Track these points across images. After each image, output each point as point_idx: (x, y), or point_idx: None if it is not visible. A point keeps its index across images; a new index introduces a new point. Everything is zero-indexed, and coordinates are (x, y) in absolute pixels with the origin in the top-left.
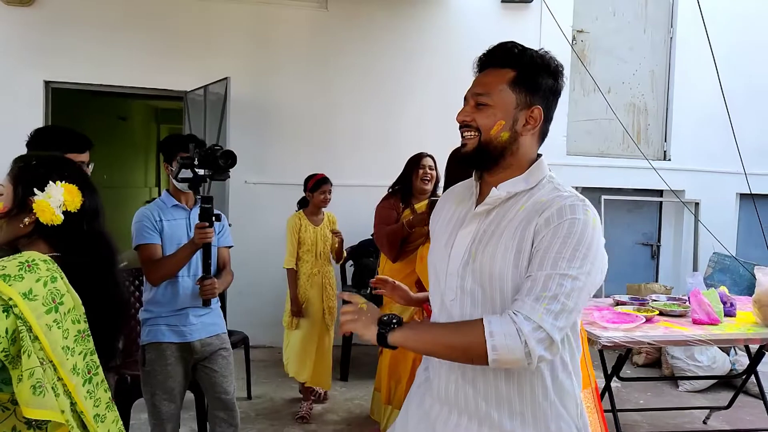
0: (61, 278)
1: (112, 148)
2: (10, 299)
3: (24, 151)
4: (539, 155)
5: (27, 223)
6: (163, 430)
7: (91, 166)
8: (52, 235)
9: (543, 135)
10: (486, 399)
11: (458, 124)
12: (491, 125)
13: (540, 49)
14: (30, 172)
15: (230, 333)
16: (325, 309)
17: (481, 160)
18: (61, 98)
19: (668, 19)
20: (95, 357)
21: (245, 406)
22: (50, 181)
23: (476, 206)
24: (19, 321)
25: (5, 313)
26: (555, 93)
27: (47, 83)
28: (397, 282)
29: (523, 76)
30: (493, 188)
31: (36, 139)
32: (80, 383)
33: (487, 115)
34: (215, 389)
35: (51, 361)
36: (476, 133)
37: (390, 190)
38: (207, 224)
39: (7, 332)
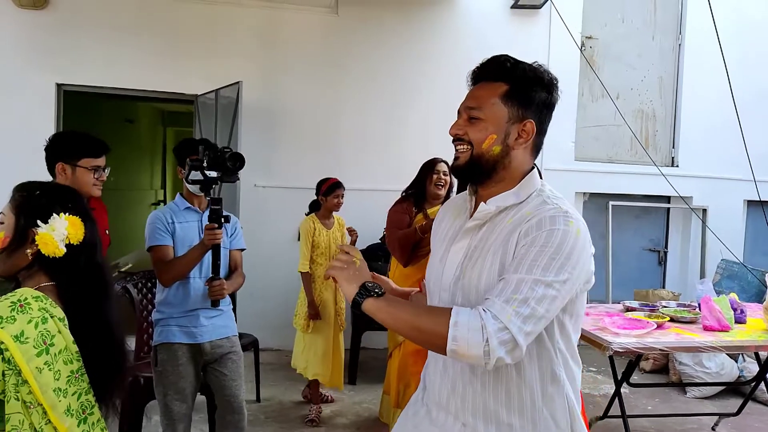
0: (52, 318)
1: (119, 151)
2: (2, 342)
3: (39, 154)
4: (533, 168)
5: (29, 254)
6: (174, 430)
7: (107, 171)
8: (52, 267)
9: (536, 148)
10: (474, 413)
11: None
12: (483, 139)
13: (534, 62)
14: (33, 203)
15: (240, 336)
16: (337, 310)
17: (474, 174)
18: (70, 101)
19: (677, 26)
20: (90, 396)
21: (254, 408)
22: (54, 213)
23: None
24: (7, 365)
25: (1, 356)
26: (549, 106)
27: (59, 86)
28: (377, 274)
29: (516, 89)
30: (482, 203)
31: (54, 144)
32: (74, 424)
33: (479, 129)
34: (224, 392)
35: (41, 405)
36: (468, 147)
37: (403, 194)
38: (216, 225)
39: (4, 375)
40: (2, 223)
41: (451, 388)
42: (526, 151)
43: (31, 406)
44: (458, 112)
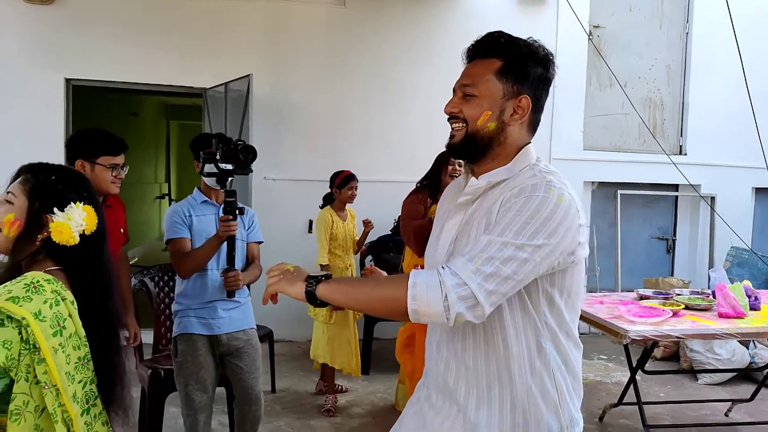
0: (63, 301)
1: None
2: (24, 318)
3: (49, 146)
4: (528, 144)
5: (39, 240)
6: (196, 420)
7: (126, 169)
8: (59, 254)
9: (534, 124)
10: (467, 394)
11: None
12: (477, 116)
13: (529, 38)
14: (50, 189)
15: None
16: None
17: (469, 151)
18: (76, 95)
19: (684, 15)
20: (94, 386)
21: (270, 399)
22: (71, 202)
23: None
24: (23, 344)
25: (20, 335)
26: (545, 81)
27: (68, 81)
28: (375, 267)
29: (510, 65)
30: (472, 178)
31: (75, 142)
32: (79, 413)
33: (474, 106)
34: (241, 384)
35: (55, 386)
36: (464, 125)
37: (418, 184)
38: (230, 217)
39: (20, 354)
40: (11, 203)
41: (445, 368)
42: (522, 127)
43: (46, 387)
44: (453, 90)
